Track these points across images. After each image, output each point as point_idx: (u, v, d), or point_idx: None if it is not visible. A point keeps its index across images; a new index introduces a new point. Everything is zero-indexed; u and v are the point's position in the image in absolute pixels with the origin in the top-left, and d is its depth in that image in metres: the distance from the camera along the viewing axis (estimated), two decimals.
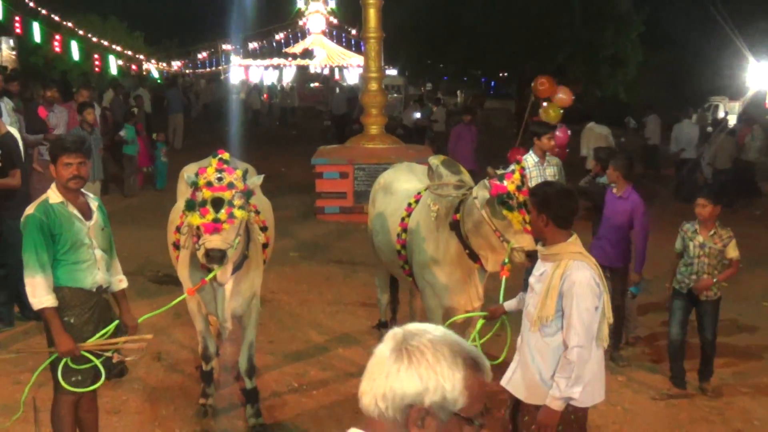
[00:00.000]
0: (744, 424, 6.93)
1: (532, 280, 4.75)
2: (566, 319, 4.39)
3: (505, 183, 5.72)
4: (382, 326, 8.01)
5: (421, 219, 6.73)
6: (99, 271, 5.14)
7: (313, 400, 7.11)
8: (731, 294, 10.76)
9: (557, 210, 4.55)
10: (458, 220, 6.25)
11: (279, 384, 7.39)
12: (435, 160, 6.78)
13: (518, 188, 5.68)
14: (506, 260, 5.74)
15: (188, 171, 6.36)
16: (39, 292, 4.92)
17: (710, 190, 7.74)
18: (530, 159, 8.85)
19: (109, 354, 5.17)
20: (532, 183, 8.36)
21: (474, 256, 6.26)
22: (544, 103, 12.80)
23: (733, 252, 7.34)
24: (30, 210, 5.02)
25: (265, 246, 6.51)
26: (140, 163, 17.35)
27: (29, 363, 6.64)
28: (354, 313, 9.53)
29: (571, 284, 4.38)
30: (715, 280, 7.29)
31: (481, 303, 6.58)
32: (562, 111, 12.51)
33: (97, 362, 5.10)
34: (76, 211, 5.06)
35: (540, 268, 4.67)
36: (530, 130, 9.07)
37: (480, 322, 5.52)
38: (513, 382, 4.78)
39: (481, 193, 5.93)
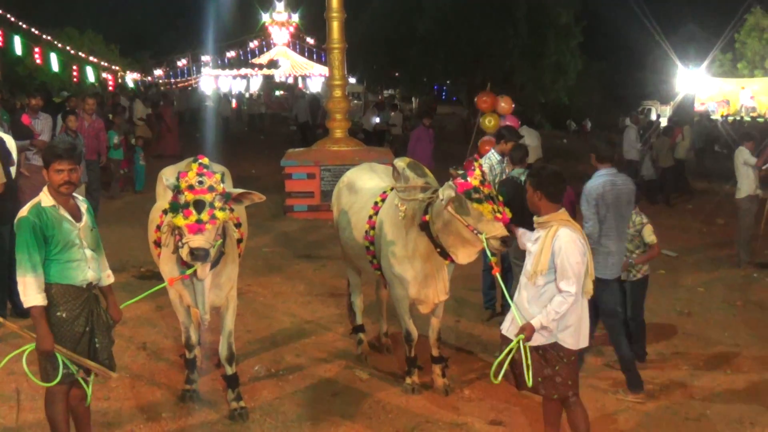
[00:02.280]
0: (684, 398, 7.02)
1: (528, 244, 5.38)
2: (558, 271, 5.03)
3: (469, 180, 5.82)
4: (359, 330, 7.94)
5: (388, 217, 6.74)
6: (89, 269, 5.09)
7: (290, 384, 7.09)
8: (668, 280, 10.99)
9: (550, 188, 5.19)
10: (428, 222, 6.28)
11: (257, 369, 7.36)
12: (401, 163, 6.74)
13: (482, 182, 5.80)
14: (490, 255, 5.83)
15: (166, 174, 6.33)
16: (29, 291, 4.87)
17: None
18: (494, 157, 8.92)
19: (73, 370, 5.09)
20: (497, 178, 8.48)
21: (444, 254, 6.32)
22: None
23: (648, 237, 7.58)
24: (23, 212, 4.95)
25: (239, 241, 6.48)
26: (122, 166, 17.18)
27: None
28: (324, 303, 9.52)
29: (562, 244, 5.02)
30: (630, 261, 7.48)
31: (447, 296, 6.70)
32: (501, 118, 12.69)
33: (61, 364, 5.01)
34: (67, 214, 5.01)
35: (535, 234, 5.29)
36: (500, 132, 9.13)
37: (517, 340, 5.23)
38: (512, 329, 5.28)
39: (447, 193, 5.97)
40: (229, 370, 6.36)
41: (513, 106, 13.39)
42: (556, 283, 5.07)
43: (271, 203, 15.80)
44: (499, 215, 5.77)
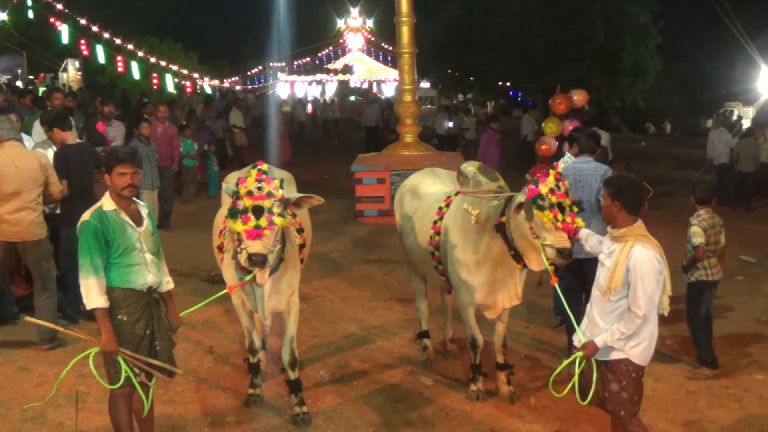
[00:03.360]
0: (761, 409, 6.75)
1: (602, 257, 5.17)
2: (632, 291, 4.84)
3: (540, 186, 5.71)
4: (424, 336, 7.86)
5: (454, 222, 6.64)
6: (149, 273, 5.14)
7: (354, 389, 7.05)
8: (745, 287, 10.61)
9: (629, 198, 5.00)
10: (504, 223, 6.17)
11: (322, 374, 7.35)
12: (471, 168, 6.63)
13: (551, 190, 5.66)
14: (547, 265, 5.69)
15: (229, 180, 6.36)
16: (92, 294, 4.93)
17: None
18: (567, 158, 8.73)
19: (137, 371, 5.14)
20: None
21: (518, 257, 6.19)
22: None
23: (694, 238, 7.53)
24: (86, 217, 5.02)
25: (302, 246, 6.47)
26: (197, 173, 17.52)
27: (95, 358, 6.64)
28: (391, 308, 9.47)
29: (636, 261, 4.82)
30: (684, 264, 7.63)
31: (519, 301, 6.62)
32: (562, 122, 12.47)
33: (127, 369, 5.07)
34: (128, 218, 5.07)
35: (610, 246, 5.09)
36: (571, 135, 8.88)
37: (575, 357, 5.13)
38: (585, 340, 5.13)
39: (519, 197, 5.91)
40: (292, 375, 6.35)
41: (587, 98, 13.09)
42: (627, 300, 4.91)
43: (342, 208, 15.94)
44: (559, 224, 5.63)
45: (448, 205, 6.91)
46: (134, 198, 5.25)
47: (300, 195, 5.66)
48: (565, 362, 5.16)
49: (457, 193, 6.88)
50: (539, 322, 8.92)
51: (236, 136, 22.99)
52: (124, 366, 5.05)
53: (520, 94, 47.54)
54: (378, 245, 13.09)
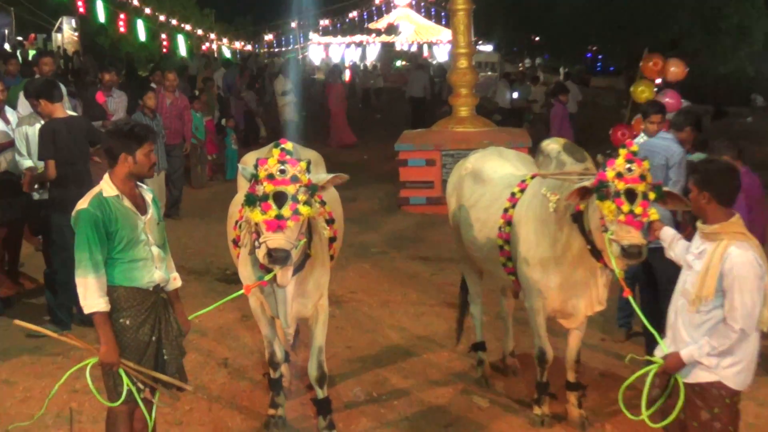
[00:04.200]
0: None
1: (689, 257, 5.04)
2: (728, 300, 4.71)
3: (607, 170, 5.59)
4: (479, 348, 7.84)
5: (530, 211, 6.56)
6: (156, 268, 5.21)
7: (394, 411, 7.06)
8: None
9: (720, 187, 4.87)
10: (581, 211, 6.08)
11: (356, 393, 7.38)
12: (555, 145, 6.54)
13: (618, 175, 5.53)
14: (614, 266, 5.62)
15: (246, 161, 6.38)
16: (91, 295, 4.98)
17: None
18: (641, 140, 8.56)
19: (141, 386, 5.19)
20: None
21: (597, 253, 6.08)
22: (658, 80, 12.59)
23: None
24: (83, 204, 5.04)
25: (332, 240, 6.51)
26: (208, 151, 17.66)
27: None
28: (441, 315, 9.46)
29: (733, 265, 4.69)
30: None
31: (602, 307, 6.53)
32: (655, 90, 12.28)
33: (129, 383, 5.12)
34: (131, 205, 5.12)
35: (699, 245, 4.97)
36: (641, 109, 8.77)
37: (652, 370, 5.14)
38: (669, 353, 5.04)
39: (584, 181, 5.83)
40: (320, 394, 6.38)
41: (686, 71, 12.93)
42: (723, 311, 4.78)
43: (382, 195, 15.96)
44: (622, 217, 5.51)
45: (522, 191, 6.83)
46: (138, 182, 5.32)
47: (330, 177, 5.66)
48: (638, 373, 5.08)
49: (533, 177, 6.85)
50: (620, 334, 8.85)
51: (281, 108, 23.10)
52: (125, 380, 5.11)
53: (600, 58, 47.14)
54: (425, 239, 13.10)
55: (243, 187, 6.50)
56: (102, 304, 4.99)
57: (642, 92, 12.06)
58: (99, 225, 4.98)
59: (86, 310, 5.03)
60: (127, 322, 5.11)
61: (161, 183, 13.11)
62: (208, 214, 14.21)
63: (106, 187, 5.11)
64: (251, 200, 5.34)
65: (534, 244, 6.46)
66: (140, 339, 5.17)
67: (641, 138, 8.62)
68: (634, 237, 5.45)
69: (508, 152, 7.84)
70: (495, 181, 7.24)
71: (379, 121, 29.59)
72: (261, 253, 5.28)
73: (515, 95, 25.20)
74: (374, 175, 17.72)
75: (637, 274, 7.89)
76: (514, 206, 6.76)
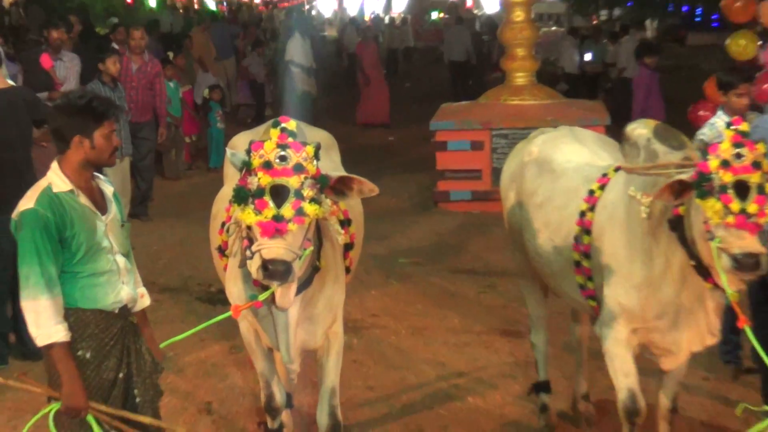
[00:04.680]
0: None
1: None
2: None
3: (709, 158, 5.50)
4: (542, 389, 7.77)
5: (615, 216, 6.37)
6: (123, 284, 5.18)
7: None
8: None
9: None
10: (681, 216, 5.98)
11: None
12: (643, 129, 6.39)
13: (724, 164, 5.44)
14: (724, 282, 5.52)
15: (236, 144, 6.43)
16: (45, 322, 4.90)
17: None
18: (720, 122, 8.32)
19: None
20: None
21: (704, 271, 5.96)
22: None
23: None
24: (28, 203, 4.98)
25: (348, 247, 6.46)
26: (185, 131, 17.77)
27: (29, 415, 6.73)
28: (490, 346, 9.44)
29: None
30: None
31: (714, 340, 6.27)
32: (759, 42, 12.08)
33: (95, 427, 5.11)
34: (89, 203, 5.08)
35: None
36: (718, 80, 8.56)
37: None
38: None
39: (682, 173, 5.73)
40: None
41: None
42: None
43: (414, 188, 15.99)
44: (730, 218, 5.40)
45: (603, 188, 6.73)
46: (95, 172, 5.29)
47: (343, 175, 5.62)
48: (756, 429, 5.04)
49: (617, 169, 6.72)
50: (724, 371, 8.79)
51: (297, 77, 22.98)
52: (96, 429, 5.09)
53: (699, 10, 46.94)
54: (470, 246, 13.08)
55: (231, 178, 6.46)
56: (61, 333, 4.92)
57: (743, 47, 11.80)
58: (51, 229, 4.91)
59: (40, 342, 4.94)
60: (87, 355, 5.08)
61: (125, 173, 13.17)
62: (185, 213, 14.29)
63: (56, 179, 5.05)
64: (242, 196, 5.28)
65: (623, 261, 6.27)
66: (104, 377, 5.14)
67: (719, 118, 8.34)
68: (748, 243, 5.29)
69: (585, 134, 7.68)
70: (569, 172, 7.06)
71: (410, 92, 29.57)
72: (254, 265, 5.20)
73: (587, 57, 25.11)
74: (403, 163, 17.75)
75: (751, 293, 7.80)
76: (593, 209, 6.62)
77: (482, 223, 13.90)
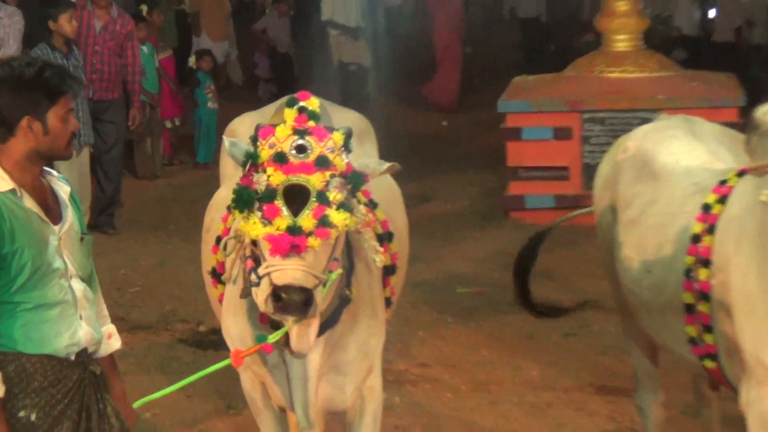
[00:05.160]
0: None
1: None
2: None
3: None
4: None
5: (744, 235, 6.38)
6: (80, 320, 5.13)
7: None
8: None
9: None
10: None
11: None
12: None
13: None
14: None
15: (235, 130, 6.53)
16: None
17: None
18: None
19: None
20: None
21: None
22: None
23: None
24: None
25: (389, 271, 6.43)
26: (163, 113, 17.84)
27: None
28: (582, 408, 9.42)
29: None
30: None
31: None
32: None
33: None
34: (37, 208, 5.05)
35: None
36: None
37: None
38: None
39: None
40: None
41: None
42: None
43: (476, 190, 16.00)
44: None
45: (723, 200, 6.63)
46: (45, 167, 5.27)
47: (386, 166, 5.58)
48: None
49: (741, 173, 6.62)
50: None
51: (337, 43, 22.86)
52: None
53: None
54: (554, 272, 12.96)
55: (230, 176, 6.50)
56: None
57: None
58: None
59: None
60: (32, 417, 5.03)
61: (83, 169, 13.17)
62: (164, 224, 14.38)
63: None
64: (246, 200, 5.26)
65: (760, 298, 6.22)
66: None
67: None
68: None
69: (704, 127, 7.55)
70: (676, 179, 6.98)
71: (468, 59, 29.50)
72: (262, 295, 5.18)
73: (712, 14, 25.02)
74: (461, 157, 17.71)
75: None
76: (711, 230, 6.53)
77: (570, 239, 13.80)
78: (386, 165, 5.60)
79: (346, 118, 6.61)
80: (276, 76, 23.25)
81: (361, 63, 22.60)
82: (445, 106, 23.01)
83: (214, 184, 7.02)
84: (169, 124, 17.97)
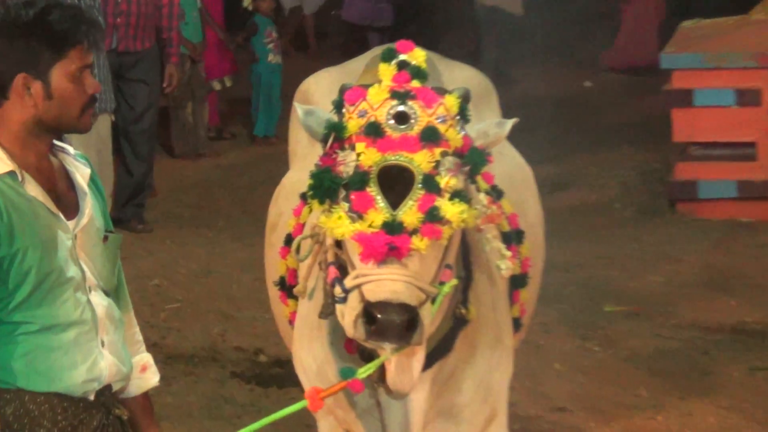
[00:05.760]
0: None
1: None
2: None
3: None
4: None
5: None
6: (103, 347, 5.15)
7: None
8: None
9: None
10: None
11: None
12: None
13: None
14: None
15: (312, 92, 6.56)
16: None
17: None
18: None
19: None
20: None
21: None
22: None
23: None
24: None
25: (519, 283, 6.41)
26: (209, 71, 17.93)
27: None
28: None
29: None
30: None
31: None
32: None
33: None
34: (44, 197, 5.06)
35: None
36: None
37: None
38: None
39: None
40: None
41: None
42: None
43: (631, 174, 16.00)
44: None
45: None
46: (56, 141, 5.26)
47: (506, 126, 5.48)
48: None
49: None
50: None
51: None
52: None
53: None
54: (737, 285, 12.93)
55: (303, 155, 6.58)
56: None
57: None
58: None
59: None
60: None
61: (102, 144, 13.20)
62: (211, 219, 14.44)
63: None
64: (327, 187, 5.24)
65: None
66: None
67: None
68: None
69: None
70: None
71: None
72: (350, 315, 5.11)
73: None
74: (609, 128, 17.71)
75: None
76: None
77: (761, 241, 13.80)
78: (509, 123, 5.45)
79: (460, 76, 6.60)
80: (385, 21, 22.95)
81: (507, 9, 22.63)
82: (643, 65, 22.78)
83: (279, 165, 7.02)
84: (217, 85, 17.99)
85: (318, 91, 6.58)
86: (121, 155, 13.92)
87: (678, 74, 15.17)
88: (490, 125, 5.56)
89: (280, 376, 10.00)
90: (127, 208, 13.96)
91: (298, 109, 5.60)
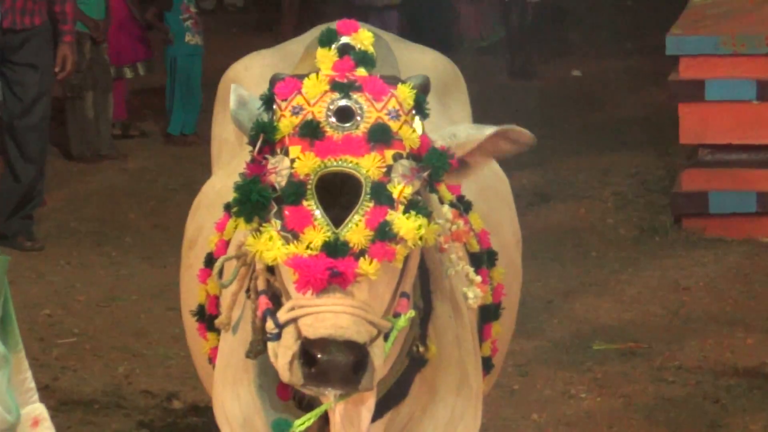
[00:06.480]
0: None
1: None
2: None
3: None
4: None
5: None
6: None
7: None
8: None
9: None
10: None
11: None
12: None
13: None
14: None
15: (241, 78, 6.56)
16: None
17: None
18: None
19: None
20: None
21: None
22: None
23: None
24: None
25: (491, 315, 6.49)
26: (119, 57, 17.96)
27: None
28: None
29: None
30: None
31: None
32: None
33: None
34: None
35: None
36: None
37: None
38: None
39: None
40: None
41: None
42: None
43: (629, 182, 16.08)
44: None
45: None
46: None
47: (486, 131, 5.49)
48: None
49: None
50: None
51: None
52: None
53: None
54: (756, 319, 13.00)
55: (229, 158, 6.60)
56: None
57: None
58: None
59: None
60: None
61: None
62: (114, 234, 14.37)
63: None
64: (255, 201, 5.25)
65: None
66: None
67: None
68: None
69: None
70: None
71: None
72: (285, 356, 5.16)
73: None
74: (603, 126, 17.82)
75: None
76: None
77: None
78: (491, 129, 5.32)
79: (421, 61, 6.67)
80: None
81: None
82: None
83: (199, 169, 7.07)
84: (128, 73, 17.98)
85: (248, 78, 6.52)
86: (5, 156, 13.93)
87: (686, 62, 15.23)
88: (463, 129, 5.50)
89: (197, 426, 10.05)
90: (12, 222, 13.96)
91: (232, 95, 5.46)
